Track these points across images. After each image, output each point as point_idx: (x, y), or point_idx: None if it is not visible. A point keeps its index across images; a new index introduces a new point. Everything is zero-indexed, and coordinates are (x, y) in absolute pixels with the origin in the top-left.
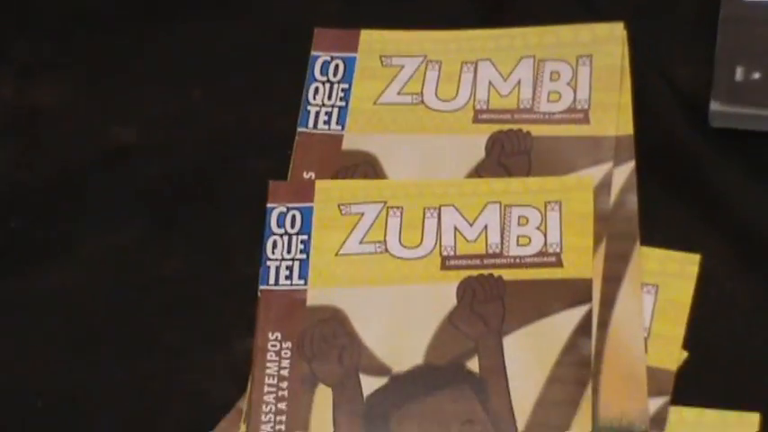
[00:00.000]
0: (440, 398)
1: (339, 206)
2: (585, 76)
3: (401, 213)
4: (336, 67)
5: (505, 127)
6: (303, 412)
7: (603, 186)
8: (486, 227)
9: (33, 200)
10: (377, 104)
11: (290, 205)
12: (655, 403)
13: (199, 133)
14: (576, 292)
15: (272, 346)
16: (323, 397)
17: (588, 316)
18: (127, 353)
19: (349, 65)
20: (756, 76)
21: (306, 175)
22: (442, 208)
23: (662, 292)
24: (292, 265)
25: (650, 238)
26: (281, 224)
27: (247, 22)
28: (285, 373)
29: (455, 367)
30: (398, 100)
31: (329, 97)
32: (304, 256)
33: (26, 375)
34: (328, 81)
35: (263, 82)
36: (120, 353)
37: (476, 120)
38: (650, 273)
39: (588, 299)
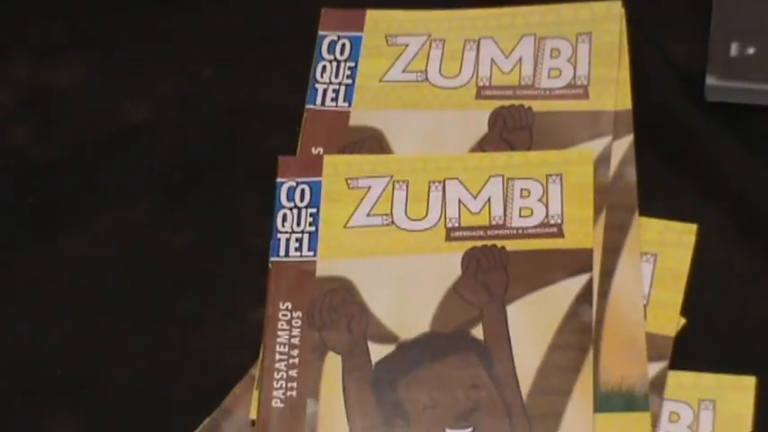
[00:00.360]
0: (446, 364)
1: (347, 180)
2: (585, 52)
3: (407, 187)
4: (343, 45)
5: (507, 103)
6: (313, 379)
7: (603, 159)
8: (489, 199)
9: (49, 176)
10: (382, 82)
11: (299, 179)
12: (654, 368)
13: (210, 111)
14: (576, 261)
15: (283, 315)
16: (332, 364)
17: (589, 284)
18: (142, 323)
19: (355, 44)
20: (751, 51)
21: (314, 151)
22: (447, 181)
23: (660, 260)
24: (302, 237)
25: (648, 209)
26: (290, 198)
27: (257, 3)
28: (296, 341)
29: (460, 334)
30: (403, 77)
31: (336, 75)
32: (313, 228)
33: (44, 344)
34: (335, 60)
35: (272, 61)
36: (134, 322)
37: (478, 96)
38: (649, 242)
39: (589, 268)
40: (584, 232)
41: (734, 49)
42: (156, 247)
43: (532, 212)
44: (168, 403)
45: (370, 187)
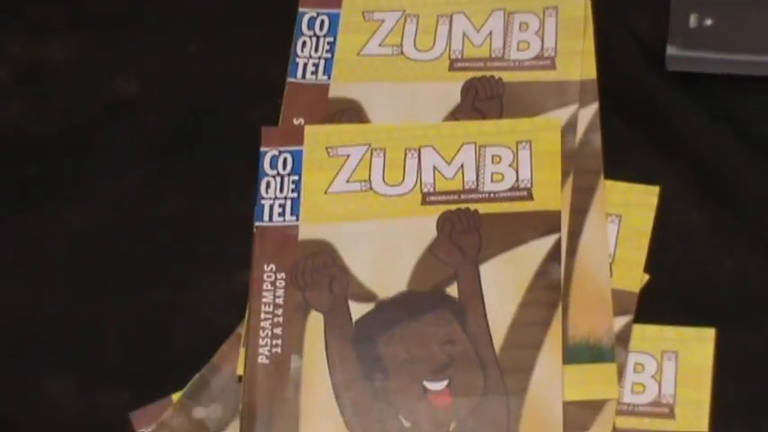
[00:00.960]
0: (422, 321)
1: (327, 149)
2: (552, 25)
3: (384, 154)
4: (322, 21)
5: (479, 74)
6: (297, 336)
7: (570, 126)
8: (462, 165)
9: (44, 148)
10: (360, 56)
11: (282, 149)
12: (620, 322)
13: (196, 85)
14: (546, 222)
15: (268, 276)
16: (315, 322)
17: (557, 244)
18: (133, 285)
19: (333, 20)
20: (708, 22)
21: (296, 122)
22: (422, 149)
23: (625, 221)
24: (285, 203)
25: (613, 173)
26: (273, 166)
27: None
28: (280, 301)
29: (436, 293)
30: (380, 51)
31: (316, 50)
32: (295, 194)
33: (41, 306)
34: (315, 35)
35: (255, 37)
36: (126, 285)
37: (451, 68)
38: (614, 204)
39: (557, 229)
40: (552, 195)
41: (693, 20)
42: (147, 214)
43: (503, 177)
44: (159, 361)
45: (349, 155)
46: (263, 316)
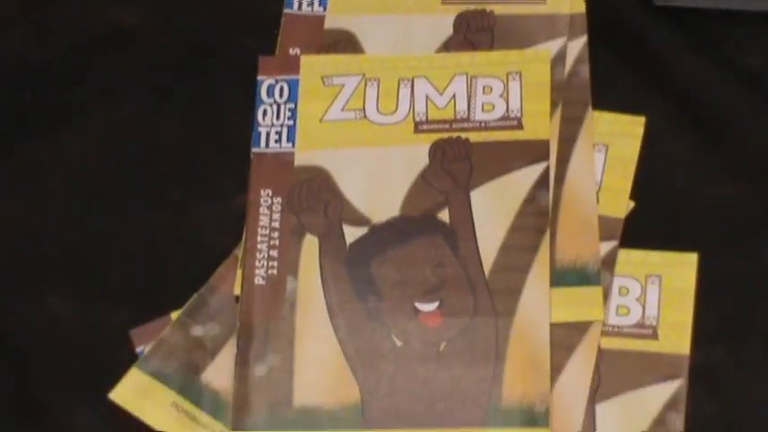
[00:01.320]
0: (415, 245)
1: (322, 78)
2: None
3: (378, 84)
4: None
5: (471, 7)
6: (292, 259)
7: (559, 58)
8: (454, 95)
9: (45, 76)
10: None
11: (279, 77)
12: (606, 247)
13: (194, 15)
14: (535, 151)
15: (264, 201)
16: (310, 245)
17: (546, 172)
18: (134, 209)
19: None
20: None
21: (292, 52)
22: (415, 79)
23: (611, 150)
24: (281, 130)
25: (601, 103)
26: (270, 94)
27: None
28: (276, 224)
29: (428, 218)
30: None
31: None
32: (291, 122)
33: (42, 228)
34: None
35: None
36: (127, 209)
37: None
38: (601, 133)
39: (546, 157)
40: (541, 125)
41: None
42: (146, 140)
43: (494, 107)
44: (158, 281)
45: (344, 85)
46: (259, 239)
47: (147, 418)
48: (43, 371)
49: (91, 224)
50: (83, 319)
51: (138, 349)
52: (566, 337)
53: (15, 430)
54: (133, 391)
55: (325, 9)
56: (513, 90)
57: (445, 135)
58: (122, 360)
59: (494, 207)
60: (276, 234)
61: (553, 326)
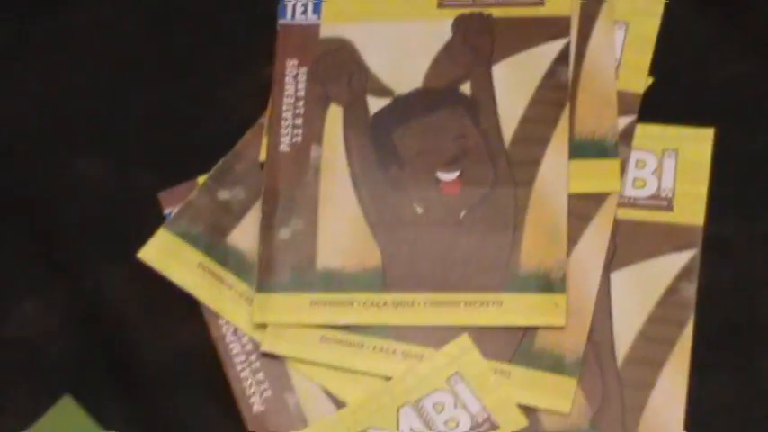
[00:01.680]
0: (437, 116)
1: None
2: None
3: None
4: None
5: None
6: (317, 127)
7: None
8: None
9: None
10: None
11: None
12: (624, 121)
13: None
14: (556, 27)
15: (290, 71)
16: (334, 114)
17: (567, 47)
18: (164, 76)
19: None
20: None
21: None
22: None
23: (631, 27)
24: (307, 2)
25: None
26: None
27: None
28: (301, 94)
29: (450, 91)
30: None
31: None
32: None
33: (72, 92)
34: None
35: None
36: (156, 75)
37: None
38: (621, 11)
39: (567, 33)
40: (562, 0)
41: None
42: (171, 9)
43: None
44: (186, 147)
45: None
46: (284, 107)
47: (174, 277)
48: (72, 231)
49: (122, 90)
50: (112, 181)
51: (166, 211)
52: (583, 208)
53: (46, 290)
54: (160, 251)
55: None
56: None
57: (468, 10)
58: (150, 222)
59: (515, 81)
60: (301, 103)
61: (571, 196)
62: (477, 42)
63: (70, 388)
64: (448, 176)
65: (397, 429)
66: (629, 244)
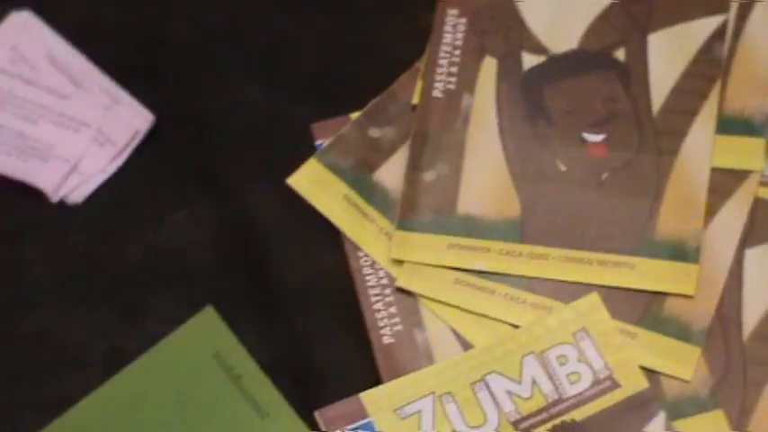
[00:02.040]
0: (588, 78)
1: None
2: None
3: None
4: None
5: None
6: (470, 77)
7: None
8: None
9: None
10: None
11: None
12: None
13: None
14: (716, 3)
15: (450, 20)
16: (489, 66)
17: (724, 24)
18: (329, 17)
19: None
20: None
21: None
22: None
23: None
24: None
25: None
26: None
27: None
28: (459, 43)
29: (604, 54)
30: None
31: None
32: None
33: (246, 25)
34: None
35: None
36: (322, 17)
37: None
38: None
39: (726, 9)
40: None
41: None
42: None
43: None
44: (342, 84)
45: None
46: (441, 54)
47: (320, 205)
48: (228, 151)
49: (290, 27)
50: (270, 108)
51: (318, 142)
52: (724, 183)
53: (197, 203)
54: (309, 180)
55: None
56: None
57: None
58: (302, 150)
59: (669, 52)
60: (458, 52)
61: (713, 170)
62: (636, 10)
63: (212, 299)
64: (594, 138)
65: (520, 376)
66: (767, 223)
